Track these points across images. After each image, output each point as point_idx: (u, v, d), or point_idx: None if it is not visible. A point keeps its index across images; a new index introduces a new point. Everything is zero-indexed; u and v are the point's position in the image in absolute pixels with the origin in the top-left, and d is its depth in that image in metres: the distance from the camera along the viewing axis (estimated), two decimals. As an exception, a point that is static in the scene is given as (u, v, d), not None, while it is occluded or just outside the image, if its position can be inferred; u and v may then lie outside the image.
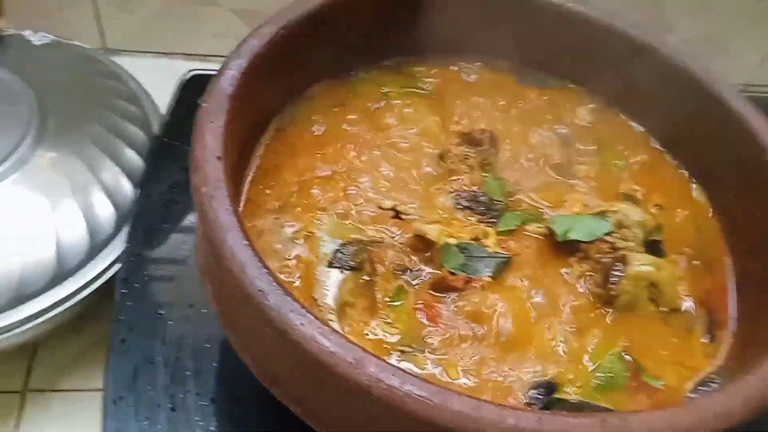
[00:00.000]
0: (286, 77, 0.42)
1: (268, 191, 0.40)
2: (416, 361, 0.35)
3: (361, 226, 0.40)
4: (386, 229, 0.40)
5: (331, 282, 0.37)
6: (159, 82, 0.63)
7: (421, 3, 0.45)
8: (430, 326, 0.37)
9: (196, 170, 0.33)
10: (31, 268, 0.46)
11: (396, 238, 0.39)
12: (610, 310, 0.39)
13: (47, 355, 0.55)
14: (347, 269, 0.37)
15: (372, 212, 0.40)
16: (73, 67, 0.57)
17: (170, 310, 0.45)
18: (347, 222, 0.40)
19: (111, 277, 0.49)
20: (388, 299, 0.37)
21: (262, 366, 0.33)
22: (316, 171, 0.41)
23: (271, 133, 0.43)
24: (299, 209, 0.40)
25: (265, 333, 0.30)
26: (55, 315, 0.47)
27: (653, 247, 0.40)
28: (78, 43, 0.61)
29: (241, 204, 0.39)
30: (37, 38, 0.58)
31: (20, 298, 0.46)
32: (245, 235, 0.30)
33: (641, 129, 0.49)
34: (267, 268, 0.30)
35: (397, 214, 0.40)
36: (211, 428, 0.41)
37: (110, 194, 0.50)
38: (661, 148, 0.48)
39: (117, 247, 0.49)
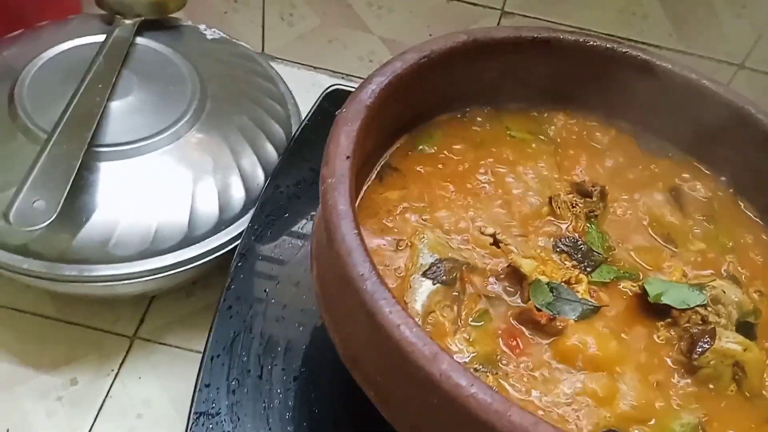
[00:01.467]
0: (419, 101, 0.45)
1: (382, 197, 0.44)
2: (486, 381, 0.38)
3: (461, 246, 0.42)
4: (484, 255, 0.43)
5: (422, 291, 0.40)
6: (303, 90, 0.69)
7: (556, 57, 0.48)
8: (507, 353, 0.39)
9: (327, 164, 0.37)
10: (165, 228, 0.52)
11: (490, 266, 0.42)
12: (690, 380, 0.39)
13: (159, 310, 0.60)
14: (439, 282, 0.40)
15: (473, 237, 0.43)
16: (235, 63, 0.64)
17: (273, 291, 0.50)
18: (448, 241, 0.43)
19: (230, 252, 0.54)
20: (471, 318, 0.40)
21: (348, 347, 0.37)
22: (431, 189, 0.45)
23: (398, 147, 0.47)
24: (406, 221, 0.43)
25: (356, 315, 0.33)
26: (178, 273, 0.52)
27: (746, 329, 0.40)
28: (243, 44, 0.68)
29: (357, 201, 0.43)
30: (209, 33, 0.66)
31: (151, 252, 0.52)
32: (357, 225, 0.34)
33: (755, 217, 0.49)
34: (370, 257, 0.33)
35: (496, 242, 0.42)
36: (290, 402, 0.44)
37: (245, 179, 0.56)
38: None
39: (242, 226, 0.54)
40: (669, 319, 0.41)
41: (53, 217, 0.46)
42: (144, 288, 0.55)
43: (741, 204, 0.50)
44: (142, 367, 0.58)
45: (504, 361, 0.38)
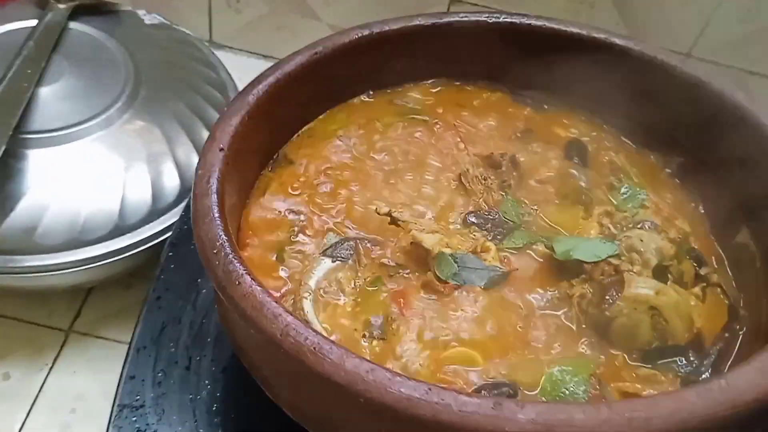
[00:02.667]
0: (315, 94, 0.47)
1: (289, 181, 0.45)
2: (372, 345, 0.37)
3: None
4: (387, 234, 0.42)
5: (319, 269, 0.40)
6: (248, 78, 0.68)
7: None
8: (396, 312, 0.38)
9: (201, 156, 0.39)
10: (95, 217, 0.51)
11: (394, 243, 0.41)
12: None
13: (96, 303, 0.59)
14: (338, 260, 0.40)
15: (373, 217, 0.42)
16: (173, 48, 0.63)
17: (205, 282, 0.48)
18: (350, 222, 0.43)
19: (164, 242, 0.53)
20: (363, 283, 0.39)
21: (232, 335, 0.37)
22: (333, 171, 0.45)
23: (300, 136, 0.47)
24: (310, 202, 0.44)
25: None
26: (108, 263, 0.51)
27: (661, 274, 0.39)
28: (183, 29, 0.66)
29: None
30: (148, 18, 0.64)
31: (81, 242, 0.50)
32: (221, 210, 0.35)
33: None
34: (230, 236, 0.34)
35: (393, 221, 0.41)
36: (217, 394, 0.43)
37: (180, 167, 0.54)
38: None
39: (176, 216, 0.53)
40: (584, 275, 0.39)
41: (-31, 205, 0.45)
42: (75, 280, 0.53)
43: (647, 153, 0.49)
44: (78, 361, 0.56)
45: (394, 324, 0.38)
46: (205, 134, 0.57)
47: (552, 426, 0.27)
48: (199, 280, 0.49)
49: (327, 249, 0.41)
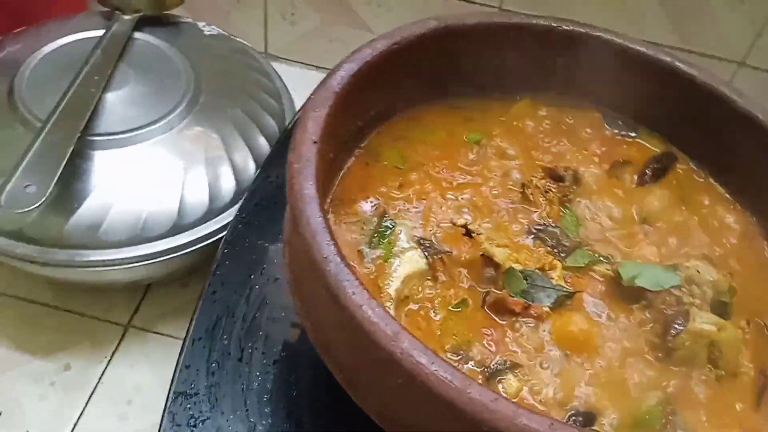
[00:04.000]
0: (393, 89, 0.46)
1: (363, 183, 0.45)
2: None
3: (436, 235, 0.43)
4: (457, 245, 0.43)
5: (397, 276, 0.41)
6: (302, 88, 0.70)
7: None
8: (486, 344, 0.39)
9: (293, 149, 0.37)
10: (155, 216, 0.53)
11: (464, 255, 0.42)
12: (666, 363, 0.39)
13: (154, 300, 0.61)
14: (426, 255, 0.40)
15: (446, 228, 0.43)
16: (231, 58, 0.65)
17: (258, 278, 0.50)
18: (425, 229, 0.43)
19: (220, 240, 0.55)
20: (450, 305, 0.40)
21: (318, 331, 0.37)
22: (406, 178, 0.45)
23: (377, 136, 0.47)
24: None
25: (323, 298, 0.34)
26: (167, 260, 0.53)
27: (721, 309, 0.40)
28: (240, 40, 0.69)
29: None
30: (207, 29, 0.67)
31: (142, 239, 0.53)
32: (322, 209, 0.35)
33: (724, 191, 0.49)
34: (334, 240, 0.34)
35: (468, 232, 0.42)
36: (268, 385, 0.45)
37: (236, 170, 0.57)
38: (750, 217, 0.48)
39: (231, 216, 0.55)
40: (644, 302, 0.40)
41: (43, 201, 0.47)
42: (134, 275, 0.56)
43: (716, 185, 0.49)
44: (135, 355, 0.59)
45: (479, 351, 0.38)
46: (261, 140, 0.60)
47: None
48: (252, 276, 0.50)
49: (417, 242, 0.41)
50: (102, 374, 0.57)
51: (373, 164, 0.46)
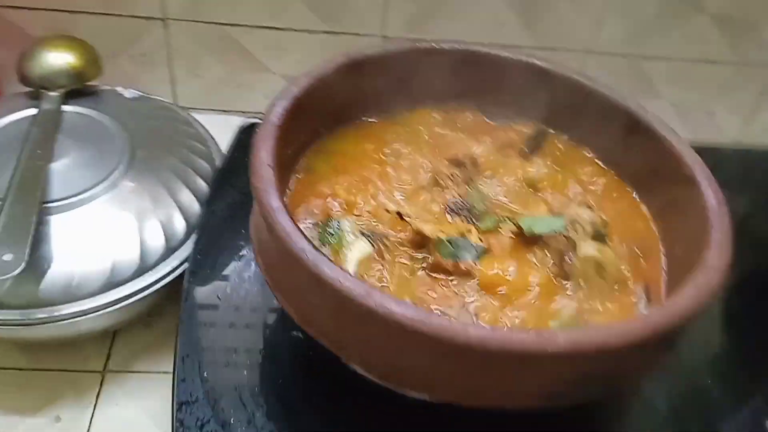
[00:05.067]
0: (316, 117, 0.56)
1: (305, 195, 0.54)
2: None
3: (373, 223, 0.52)
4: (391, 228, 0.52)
5: (351, 262, 0.49)
6: (218, 132, 0.78)
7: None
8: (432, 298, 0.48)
9: (254, 174, 0.46)
10: (119, 263, 0.59)
11: (400, 236, 0.52)
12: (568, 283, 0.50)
13: (123, 342, 0.67)
14: (372, 242, 0.49)
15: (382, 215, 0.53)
16: (155, 115, 0.72)
17: (225, 294, 0.58)
18: (364, 222, 0.52)
19: (180, 276, 0.62)
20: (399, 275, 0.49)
21: (302, 312, 0.45)
22: (342, 183, 0.55)
23: (309, 155, 0.56)
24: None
25: (304, 283, 0.42)
26: (138, 300, 0.59)
27: (599, 238, 0.51)
28: (158, 97, 0.76)
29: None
30: (127, 93, 0.74)
31: (111, 285, 0.59)
32: (290, 215, 0.43)
33: (591, 155, 0.62)
34: (305, 236, 0.42)
35: (400, 216, 0.51)
36: (257, 379, 0.52)
37: (183, 211, 0.64)
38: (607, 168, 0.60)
39: (186, 250, 0.62)
40: (542, 244, 0.51)
41: (22, 265, 0.53)
42: (107, 321, 0.61)
43: (581, 150, 0.62)
44: (117, 394, 0.64)
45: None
46: (199, 180, 0.67)
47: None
48: (218, 295, 0.58)
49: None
50: (92, 418, 0.62)
51: (309, 179, 0.55)
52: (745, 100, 0.95)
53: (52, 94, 0.69)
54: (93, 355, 0.66)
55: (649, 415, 0.56)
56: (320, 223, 0.52)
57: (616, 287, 0.50)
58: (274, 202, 0.43)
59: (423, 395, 0.44)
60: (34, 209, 0.57)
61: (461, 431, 0.49)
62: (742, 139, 0.98)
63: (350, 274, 0.41)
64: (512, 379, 0.42)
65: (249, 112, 0.90)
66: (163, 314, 0.68)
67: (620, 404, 0.56)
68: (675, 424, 0.55)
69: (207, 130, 0.74)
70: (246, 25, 0.83)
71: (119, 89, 0.74)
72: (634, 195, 0.58)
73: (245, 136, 0.73)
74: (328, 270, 0.40)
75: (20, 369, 0.64)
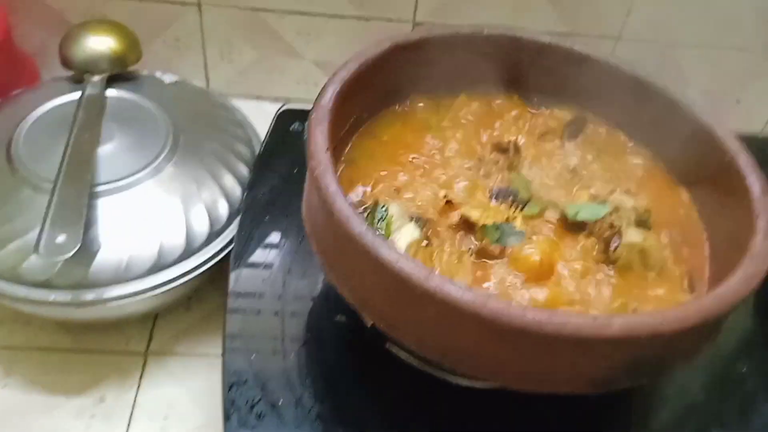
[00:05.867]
0: (364, 101, 0.56)
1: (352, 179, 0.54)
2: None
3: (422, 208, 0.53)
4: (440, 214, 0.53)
5: (401, 246, 0.50)
6: (252, 118, 0.79)
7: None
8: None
9: (312, 158, 0.46)
10: (167, 246, 0.60)
11: (449, 221, 0.52)
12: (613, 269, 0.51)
13: (164, 325, 0.68)
14: (421, 227, 0.50)
15: (429, 201, 0.54)
16: (194, 100, 0.73)
17: (269, 280, 0.59)
18: (413, 206, 0.53)
19: (223, 259, 0.63)
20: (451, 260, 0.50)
21: (356, 292, 0.46)
22: (387, 168, 0.55)
23: (354, 141, 0.57)
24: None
25: (360, 264, 0.43)
26: (183, 283, 0.61)
27: (643, 226, 0.52)
28: (195, 83, 0.77)
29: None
30: (167, 78, 0.75)
31: (157, 268, 0.60)
32: (347, 199, 0.44)
33: (631, 142, 0.62)
34: (363, 219, 0.43)
35: (449, 202, 0.52)
36: (302, 362, 0.54)
37: (227, 195, 0.65)
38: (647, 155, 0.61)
39: (230, 234, 0.63)
40: (587, 231, 0.52)
41: (77, 246, 0.54)
42: (153, 304, 0.62)
43: (620, 135, 0.62)
44: (160, 376, 0.65)
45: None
46: (240, 165, 0.68)
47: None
48: (263, 279, 0.59)
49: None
50: (135, 398, 0.63)
51: (355, 163, 0.55)
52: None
53: (95, 78, 0.69)
54: (135, 337, 0.67)
55: (684, 402, 0.57)
56: (368, 207, 0.52)
57: (659, 274, 0.51)
58: (332, 186, 0.44)
59: (473, 379, 0.45)
60: (85, 192, 0.58)
61: (500, 416, 0.50)
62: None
63: (407, 256, 0.42)
64: (564, 364, 0.43)
65: (280, 98, 0.91)
66: (202, 297, 0.70)
67: (655, 391, 0.57)
68: (708, 412, 0.56)
69: (245, 116, 0.75)
70: (278, 10, 0.84)
71: (158, 74, 0.75)
72: (675, 182, 0.58)
73: (283, 120, 0.74)
74: (386, 253, 0.41)
75: (65, 350, 0.66)
